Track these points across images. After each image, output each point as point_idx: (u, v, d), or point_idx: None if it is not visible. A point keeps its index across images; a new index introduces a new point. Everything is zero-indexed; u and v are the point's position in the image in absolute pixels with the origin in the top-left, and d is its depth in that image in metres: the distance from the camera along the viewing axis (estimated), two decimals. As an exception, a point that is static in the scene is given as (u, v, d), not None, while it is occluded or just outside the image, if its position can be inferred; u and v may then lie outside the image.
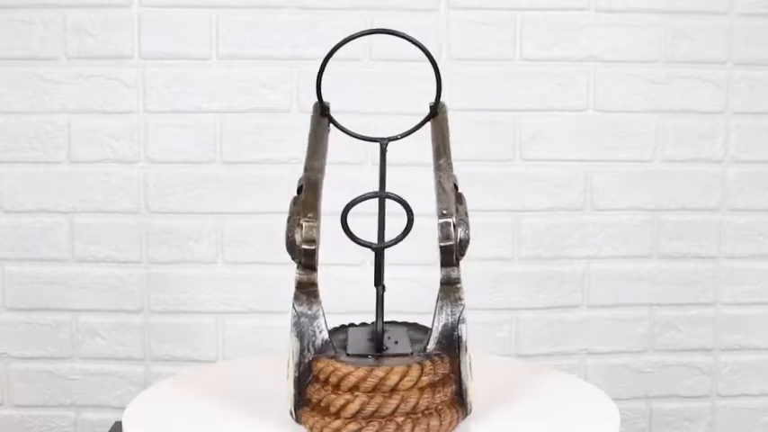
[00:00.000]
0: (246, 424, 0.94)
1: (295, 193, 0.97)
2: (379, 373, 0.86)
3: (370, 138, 1.01)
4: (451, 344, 0.89)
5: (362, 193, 0.88)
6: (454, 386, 0.90)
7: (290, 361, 0.91)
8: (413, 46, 0.96)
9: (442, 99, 1.01)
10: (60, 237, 1.54)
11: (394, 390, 0.86)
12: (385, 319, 0.97)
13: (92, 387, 1.56)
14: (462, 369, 0.90)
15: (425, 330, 0.97)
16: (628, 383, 1.62)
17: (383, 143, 1.00)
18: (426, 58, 0.97)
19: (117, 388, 1.56)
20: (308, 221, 0.91)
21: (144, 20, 1.52)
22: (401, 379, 0.85)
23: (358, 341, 0.96)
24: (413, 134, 1.01)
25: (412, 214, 0.87)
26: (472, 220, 0.99)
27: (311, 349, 0.91)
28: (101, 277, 1.55)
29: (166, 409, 0.98)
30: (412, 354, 0.90)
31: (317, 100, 0.99)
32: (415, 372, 0.86)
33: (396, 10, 1.53)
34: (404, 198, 0.87)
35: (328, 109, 1.01)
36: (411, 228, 0.88)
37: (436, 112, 1.01)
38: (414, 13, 1.54)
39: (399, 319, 1.03)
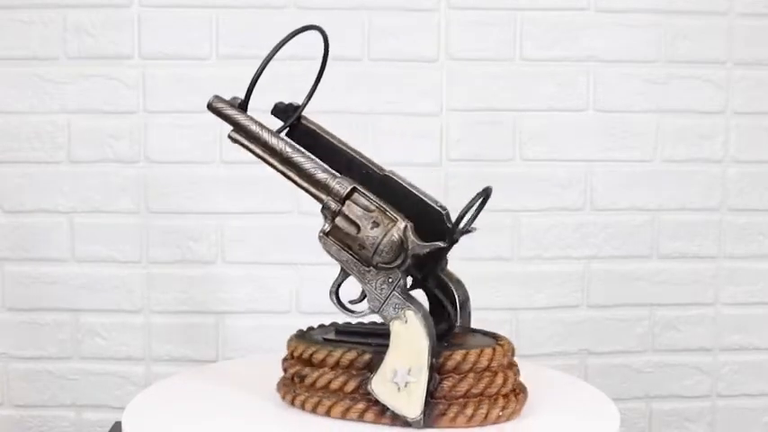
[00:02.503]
0: (246, 424, 0.94)
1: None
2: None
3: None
4: None
5: None
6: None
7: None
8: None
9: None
10: (60, 237, 1.54)
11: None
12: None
13: (92, 387, 1.56)
14: None
15: None
16: (628, 383, 1.62)
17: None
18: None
19: (117, 388, 1.56)
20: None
21: (144, 20, 1.52)
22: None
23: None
24: None
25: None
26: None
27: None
28: (101, 277, 1.55)
29: (166, 409, 0.98)
30: None
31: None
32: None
33: (395, 10, 1.53)
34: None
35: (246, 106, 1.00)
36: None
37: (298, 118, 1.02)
38: (414, 13, 1.54)
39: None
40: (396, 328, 0.91)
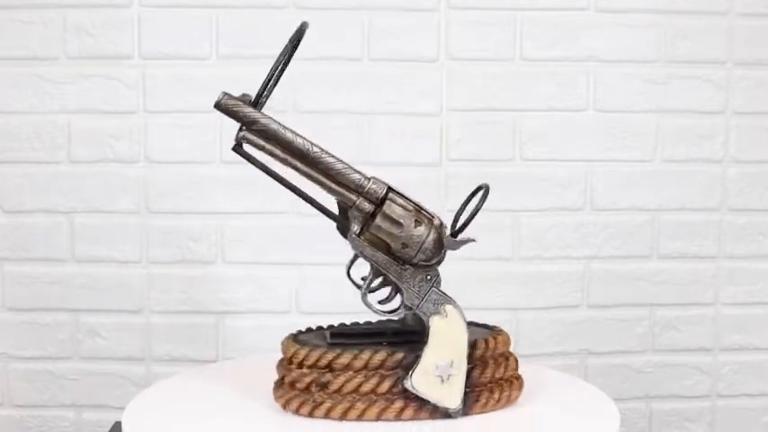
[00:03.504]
0: (246, 424, 0.94)
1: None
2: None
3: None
4: None
5: None
6: None
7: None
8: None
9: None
10: (60, 237, 1.54)
11: None
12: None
13: (92, 387, 1.56)
14: None
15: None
16: (628, 383, 1.62)
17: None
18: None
19: (117, 388, 1.56)
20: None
21: (144, 20, 1.52)
22: None
23: None
24: None
25: None
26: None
27: None
28: (101, 277, 1.55)
29: (166, 409, 0.98)
30: None
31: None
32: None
33: (395, 10, 1.53)
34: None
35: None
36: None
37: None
38: (414, 13, 1.54)
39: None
40: (436, 323, 0.93)
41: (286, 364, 0.96)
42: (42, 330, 1.55)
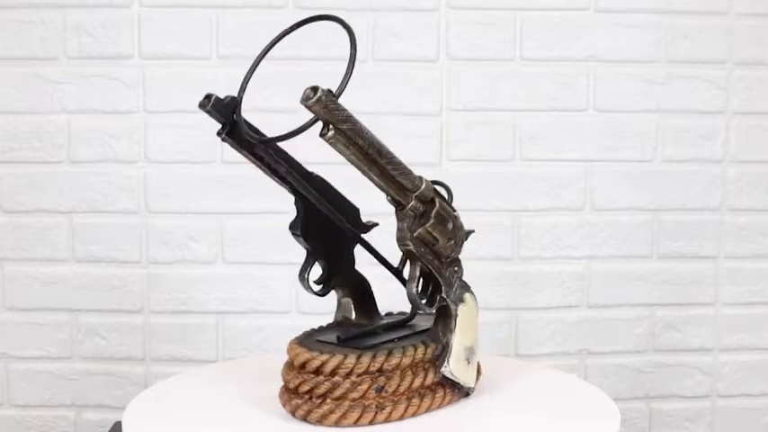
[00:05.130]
0: (246, 424, 0.94)
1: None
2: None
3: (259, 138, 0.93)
4: None
5: None
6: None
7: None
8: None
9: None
10: (60, 237, 1.54)
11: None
12: None
13: (92, 387, 1.56)
14: None
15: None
16: (628, 383, 1.62)
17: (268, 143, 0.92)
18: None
19: (117, 388, 1.56)
20: None
21: (144, 20, 1.52)
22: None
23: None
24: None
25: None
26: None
27: None
28: (101, 277, 1.55)
29: (166, 409, 0.98)
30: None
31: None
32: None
33: (396, 10, 1.53)
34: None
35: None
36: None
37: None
38: (414, 13, 1.54)
39: None
40: (461, 310, 0.97)
41: (323, 377, 0.90)
42: (42, 330, 1.55)
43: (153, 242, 1.55)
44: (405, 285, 0.95)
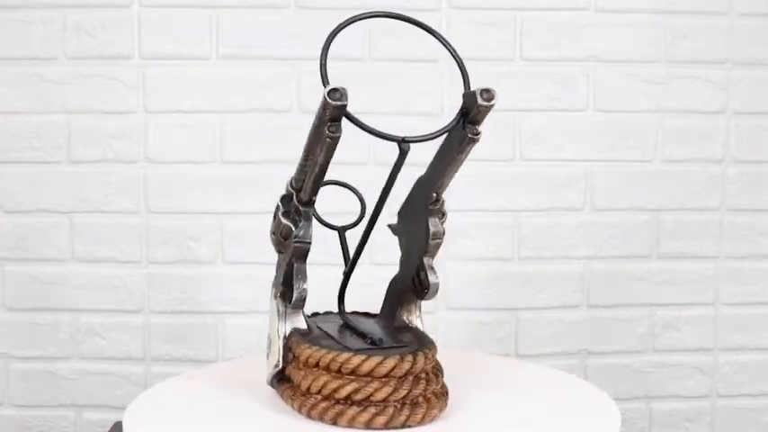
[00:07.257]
0: (246, 424, 0.94)
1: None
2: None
3: (389, 136, 0.92)
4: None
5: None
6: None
7: None
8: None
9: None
10: (60, 237, 1.54)
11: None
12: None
13: (92, 387, 1.56)
14: None
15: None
16: (628, 383, 1.62)
17: (404, 144, 0.92)
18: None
19: (117, 388, 1.56)
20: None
21: (144, 20, 1.52)
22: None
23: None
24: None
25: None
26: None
27: None
28: (101, 277, 1.55)
29: (166, 409, 0.98)
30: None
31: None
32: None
33: (396, 10, 1.53)
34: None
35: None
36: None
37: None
38: (414, 14, 1.53)
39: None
40: None
41: (360, 380, 0.89)
42: (42, 330, 1.55)
43: (153, 242, 1.55)
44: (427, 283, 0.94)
